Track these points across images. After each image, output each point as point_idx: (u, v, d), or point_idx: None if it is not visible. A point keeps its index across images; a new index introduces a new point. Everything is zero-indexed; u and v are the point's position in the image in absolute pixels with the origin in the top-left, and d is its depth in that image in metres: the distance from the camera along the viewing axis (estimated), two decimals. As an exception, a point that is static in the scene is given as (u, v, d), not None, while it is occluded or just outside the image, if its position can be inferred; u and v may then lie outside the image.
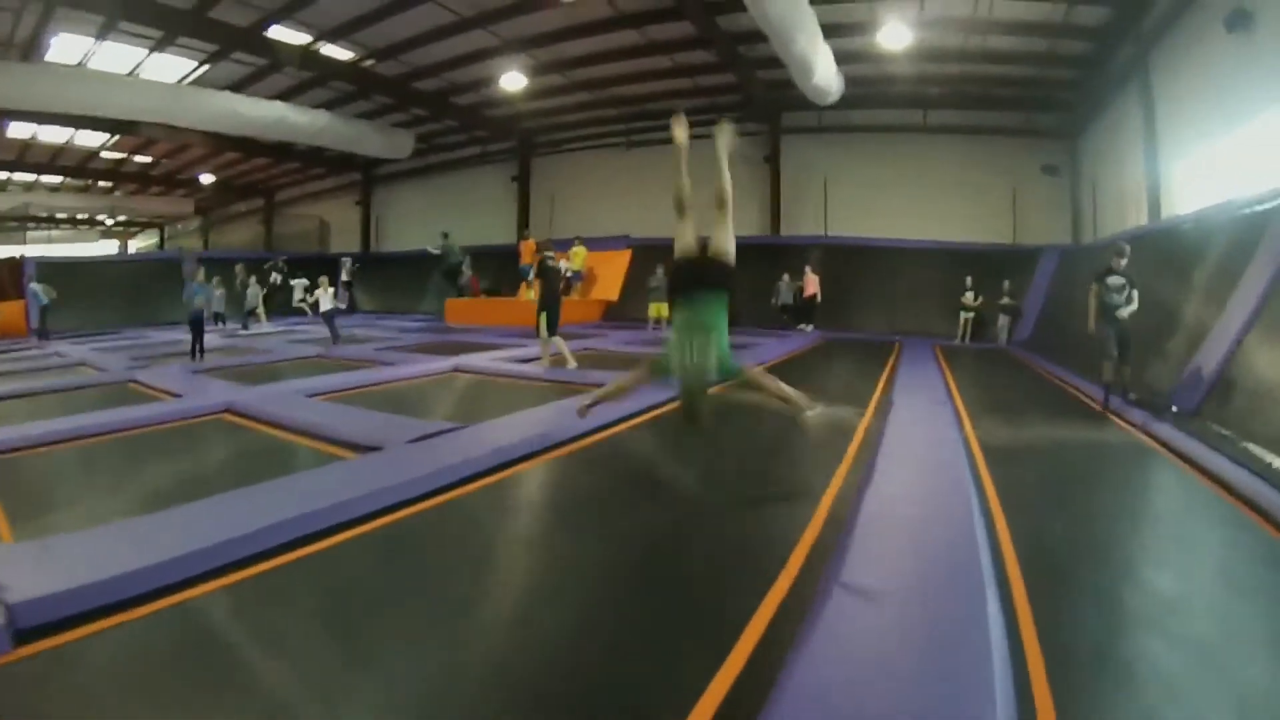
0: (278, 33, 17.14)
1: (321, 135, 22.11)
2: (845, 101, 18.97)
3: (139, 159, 29.22)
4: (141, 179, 31.86)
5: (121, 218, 37.50)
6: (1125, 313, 8.30)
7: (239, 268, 20.70)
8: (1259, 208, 8.84)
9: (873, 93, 19.49)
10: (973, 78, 18.30)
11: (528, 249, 19.97)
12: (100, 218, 36.73)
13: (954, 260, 18.83)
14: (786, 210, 21.92)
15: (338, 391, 8.75)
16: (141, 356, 12.89)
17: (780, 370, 11.73)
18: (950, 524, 4.07)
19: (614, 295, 21.40)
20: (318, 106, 21.94)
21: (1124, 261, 8.50)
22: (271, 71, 19.62)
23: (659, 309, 18.30)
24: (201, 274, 13.97)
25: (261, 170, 30.96)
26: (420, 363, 10.77)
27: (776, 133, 21.85)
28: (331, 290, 15.53)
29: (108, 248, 37.89)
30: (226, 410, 7.69)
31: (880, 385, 9.96)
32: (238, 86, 20.31)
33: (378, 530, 4.29)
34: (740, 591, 3.46)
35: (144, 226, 39.77)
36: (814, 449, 5.88)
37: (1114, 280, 8.47)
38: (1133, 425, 7.66)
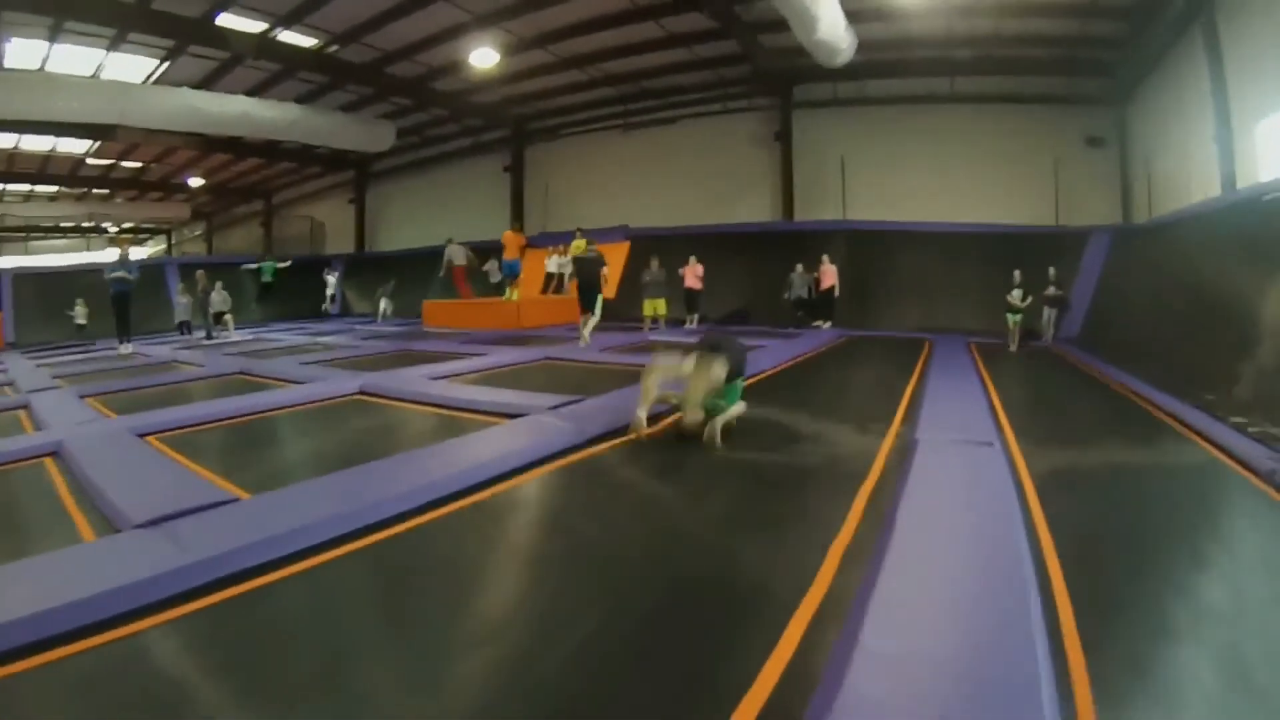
0: (229, 21, 15.85)
1: (292, 129, 20.59)
2: (862, 70, 16.99)
3: (127, 164, 28.12)
4: (136, 185, 30.94)
5: (128, 224, 36.83)
6: None
7: (200, 274, 19.26)
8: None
9: (892, 58, 17.31)
10: (1005, 37, 15.95)
11: (513, 243, 18.02)
12: (104, 225, 36.02)
13: (990, 245, 16.46)
14: (800, 193, 19.76)
15: (187, 428, 6.96)
16: (77, 373, 11.74)
17: (785, 377, 9.81)
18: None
19: (610, 292, 19.36)
20: (294, 101, 20.52)
21: None
22: (234, 65, 18.42)
23: (655, 306, 16.50)
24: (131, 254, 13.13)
25: (257, 172, 29.72)
26: (332, 381, 9.00)
27: (788, 108, 19.73)
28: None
29: (112, 256, 36.92)
30: (51, 454, 6.04)
31: (903, 405, 7.69)
32: (205, 84, 19.06)
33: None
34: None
35: (151, 233, 38.91)
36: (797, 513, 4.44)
37: None
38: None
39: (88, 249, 36.33)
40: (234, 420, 7.33)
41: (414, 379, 8.98)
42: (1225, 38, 11.35)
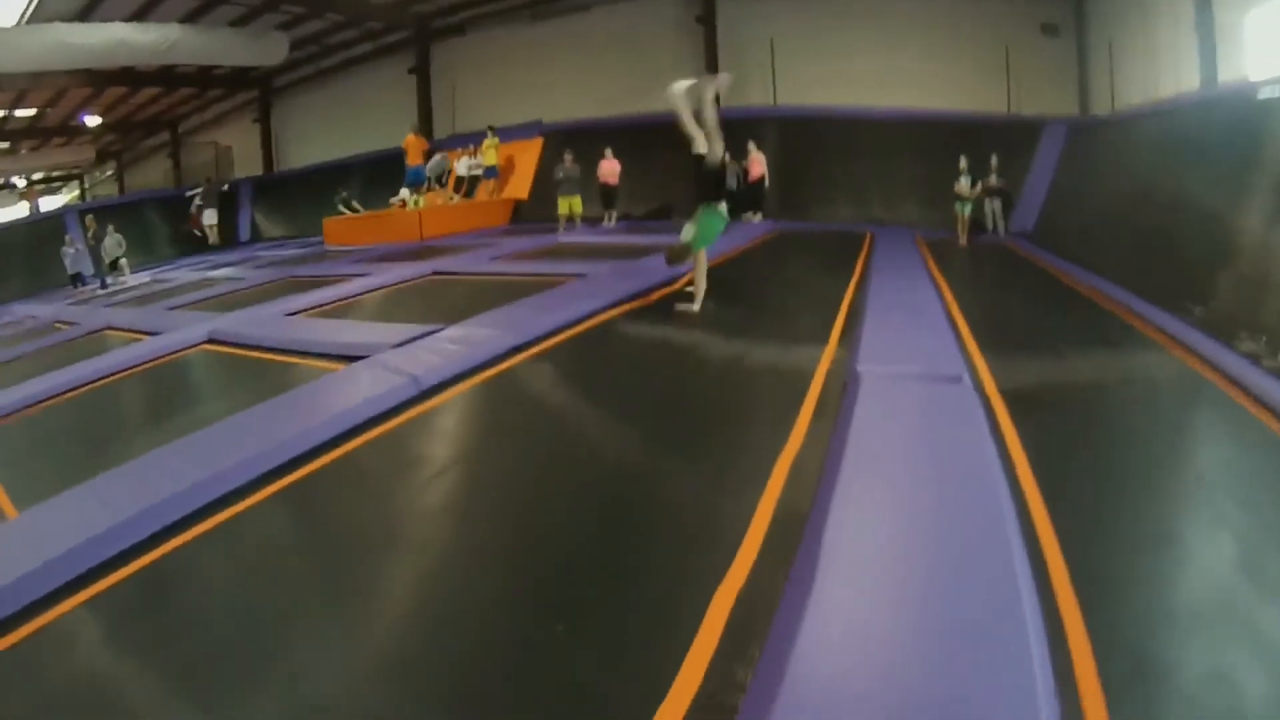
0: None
1: (175, 51, 18.76)
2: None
3: (21, 113, 26.03)
4: (36, 133, 28.73)
5: (37, 176, 34.77)
6: None
7: (89, 219, 17.97)
8: None
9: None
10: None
11: (415, 148, 16.66)
12: (12, 180, 33.94)
13: (934, 133, 15.22)
14: (726, 80, 18.24)
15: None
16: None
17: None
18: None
19: (524, 193, 18.31)
20: (178, 22, 18.72)
21: None
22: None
23: (570, 204, 15.33)
24: None
25: (157, 101, 27.59)
26: (185, 330, 7.99)
27: (711, -12, 18.16)
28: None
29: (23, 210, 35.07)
30: None
31: (840, 319, 6.60)
32: (83, 15, 17.31)
33: None
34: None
35: (64, 181, 36.82)
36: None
37: None
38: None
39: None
40: (60, 397, 6.43)
41: (270, 317, 8.04)
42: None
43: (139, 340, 8.16)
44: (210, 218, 22.43)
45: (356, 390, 4.88)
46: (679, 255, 7.61)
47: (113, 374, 6.85)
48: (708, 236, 7.58)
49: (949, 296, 7.57)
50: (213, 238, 22.71)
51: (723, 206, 7.69)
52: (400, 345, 5.87)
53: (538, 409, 4.94)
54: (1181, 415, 4.71)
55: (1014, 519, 2.80)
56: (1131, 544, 2.97)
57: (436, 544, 3.37)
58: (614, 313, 7.23)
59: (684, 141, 7.84)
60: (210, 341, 7.52)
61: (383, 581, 3.04)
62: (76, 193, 36.41)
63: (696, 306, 7.33)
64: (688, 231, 7.53)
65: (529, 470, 3.96)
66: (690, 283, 7.64)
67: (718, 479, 3.60)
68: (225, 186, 23.90)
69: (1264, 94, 7.37)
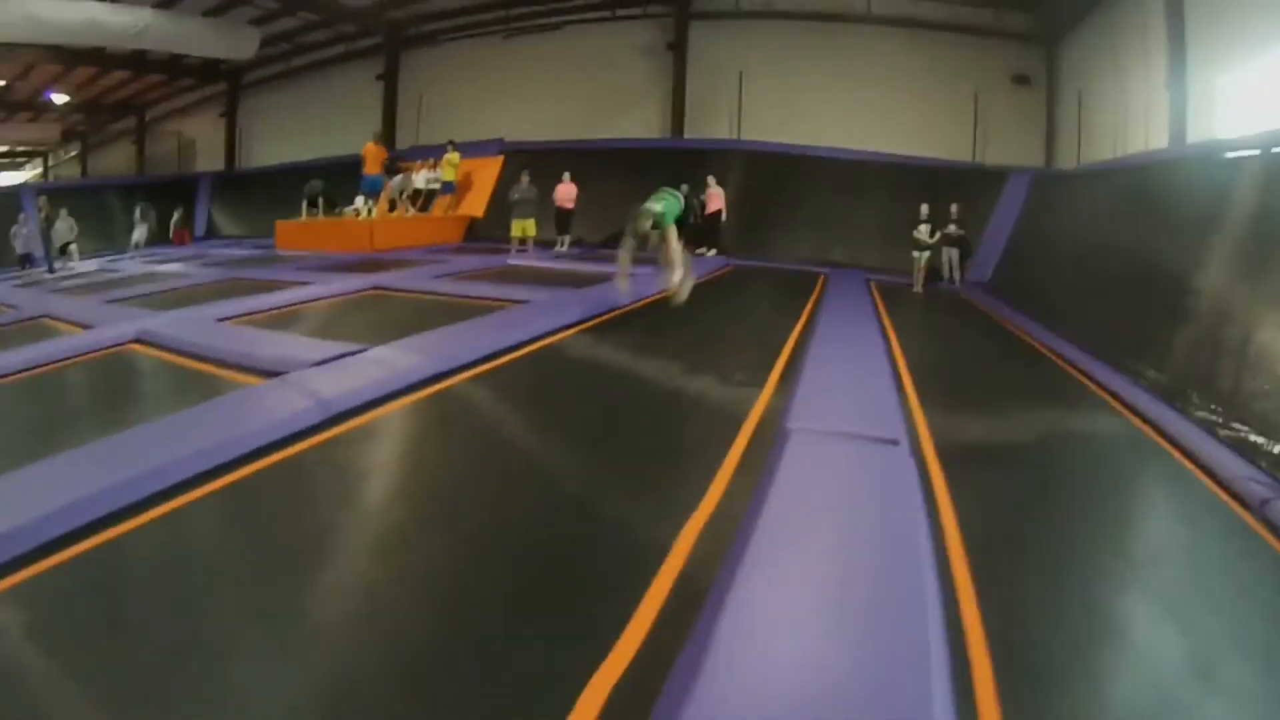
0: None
1: (144, 36, 18.88)
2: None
3: (-11, 85, 25.93)
4: (6, 106, 28.45)
5: (1, 149, 34.30)
6: None
7: (42, 200, 17.69)
8: None
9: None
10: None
11: (374, 157, 16.73)
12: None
13: (898, 177, 15.68)
14: (692, 110, 18.75)
15: None
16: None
17: (649, 309, 9.06)
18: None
19: (480, 211, 18.48)
20: (155, 7, 18.76)
21: None
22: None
23: (523, 226, 15.45)
24: None
25: (126, 86, 27.52)
26: (113, 326, 7.93)
27: (684, 16, 18.57)
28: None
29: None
30: None
31: (779, 366, 6.54)
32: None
33: None
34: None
35: (28, 157, 36.34)
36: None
37: None
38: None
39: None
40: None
41: (201, 320, 8.03)
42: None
43: (71, 332, 8.11)
44: (140, 234, 22.18)
45: (257, 413, 4.83)
46: (645, 231, 8.23)
47: (32, 368, 6.72)
48: (668, 214, 8.35)
49: (896, 347, 7.79)
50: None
51: (676, 191, 8.86)
52: (320, 364, 5.91)
53: (448, 443, 4.91)
54: (1127, 484, 4.70)
55: (937, 602, 2.74)
56: (1063, 631, 2.88)
57: (311, 585, 3.12)
58: (548, 342, 7.34)
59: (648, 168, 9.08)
60: (138, 341, 7.50)
61: (240, 628, 2.84)
62: (40, 170, 35.99)
63: (677, 280, 8.46)
64: (654, 203, 8.38)
65: (426, 510, 3.86)
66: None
67: (626, 533, 3.51)
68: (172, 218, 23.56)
69: (1231, 155, 7.47)
